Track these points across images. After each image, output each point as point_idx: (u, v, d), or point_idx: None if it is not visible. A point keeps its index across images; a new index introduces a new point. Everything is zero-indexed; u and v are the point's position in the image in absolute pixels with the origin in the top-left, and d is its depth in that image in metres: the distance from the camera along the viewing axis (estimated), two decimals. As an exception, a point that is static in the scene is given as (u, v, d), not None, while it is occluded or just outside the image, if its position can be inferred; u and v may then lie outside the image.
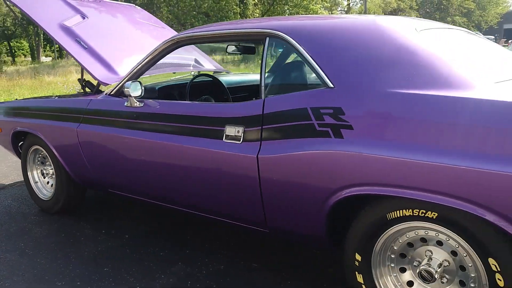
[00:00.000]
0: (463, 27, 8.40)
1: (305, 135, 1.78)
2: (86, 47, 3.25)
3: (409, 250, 1.72)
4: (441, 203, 1.48)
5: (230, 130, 2.01)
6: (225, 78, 3.28)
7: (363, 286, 1.77)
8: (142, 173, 2.48)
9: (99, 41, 3.33)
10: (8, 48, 47.72)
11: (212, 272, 2.34)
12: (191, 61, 3.73)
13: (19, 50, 49.36)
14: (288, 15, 24.65)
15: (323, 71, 1.82)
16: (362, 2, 38.04)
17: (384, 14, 38.81)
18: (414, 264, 1.70)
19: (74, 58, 3.14)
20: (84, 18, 3.56)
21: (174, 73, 3.56)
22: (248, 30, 2.22)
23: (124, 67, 3.17)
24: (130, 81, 2.37)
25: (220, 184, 2.12)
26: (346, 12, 40.27)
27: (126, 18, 3.99)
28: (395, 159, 1.55)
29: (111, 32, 3.61)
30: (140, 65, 2.54)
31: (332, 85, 1.78)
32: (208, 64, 3.87)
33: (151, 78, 3.39)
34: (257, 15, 23.96)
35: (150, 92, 2.64)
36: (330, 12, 35.06)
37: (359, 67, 1.77)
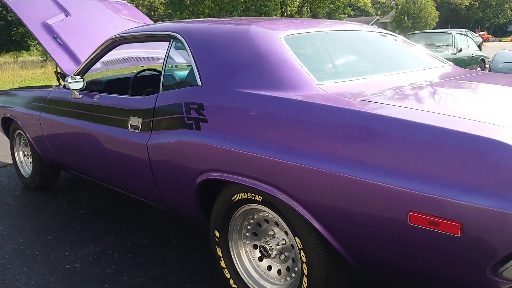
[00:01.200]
0: None
1: (178, 127, 2.06)
2: (61, 43, 3.66)
3: (258, 229, 1.96)
4: (261, 189, 1.72)
5: (133, 120, 2.33)
6: (178, 72, 3.58)
7: (222, 259, 2.03)
8: (81, 156, 2.87)
9: (74, 38, 3.73)
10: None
11: (136, 245, 2.68)
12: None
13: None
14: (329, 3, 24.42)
15: (198, 70, 2.08)
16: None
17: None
18: (262, 241, 1.95)
19: (49, 53, 3.56)
20: (67, 16, 3.98)
21: (142, 66, 3.90)
22: (159, 32, 2.51)
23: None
24: (70, 76, 2.73)
25: (129, 168, 2.44)
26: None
27: (110, 16, 4.36)
28: (231, 150, 1.80)
29: (89, 30, 3.99)
30: (85, 62, 2.90)
31: (201, 84, 2.04)
32: (180, 59, 4.18)
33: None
34: (297, 2, 23.89)
35: (98, 85, 3.01)
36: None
37: (222, 68, 2.01)
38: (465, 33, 9.78)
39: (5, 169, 4.40)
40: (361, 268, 1.61)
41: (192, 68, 2.16)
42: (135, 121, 2.31)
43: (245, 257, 2.01)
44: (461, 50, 8.76)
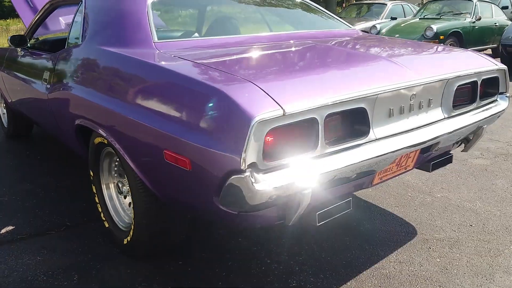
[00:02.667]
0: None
1: (66, 80, 2.36)
2: (32, 6, 4.05)
3: (121, 170, 2.25)
4: (103, 134, 1.97)
5: (45, 75, 2.65)
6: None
7: (96, 195, 2.34)
8: (22, 103, 3.27)
9: (43, 1, 4.10)
10: None
11: (63, 186, 3.06)
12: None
13: None
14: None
15: (82, 29, 2.35)
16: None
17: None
18: (117, 181, 2.23)
19: (18, 13, 3.97)
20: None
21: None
22: None
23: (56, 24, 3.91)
24: (12, 35, 3.09)
25: (44, 113, 2.77)
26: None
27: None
28: (86, 99, 2.07)
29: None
30: (31, 25, 3.26)
31: (81, 42, 2.31)
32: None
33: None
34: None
35: (45, 44, 3.36)
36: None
37: (95, 27, 2.27)
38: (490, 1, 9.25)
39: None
40: (166, 201, 1.86)
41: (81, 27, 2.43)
42: (46, 75, 2.64)
43: (114, 194, 2.31)
44: (480, 19, 8.37)
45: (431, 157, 2.13)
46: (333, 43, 2.37)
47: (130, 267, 2.06)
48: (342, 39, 2.50)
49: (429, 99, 1.89)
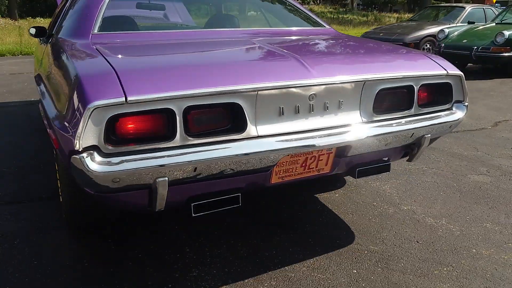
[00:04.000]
0: None
1: (41, 64, 2.62)
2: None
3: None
4: None
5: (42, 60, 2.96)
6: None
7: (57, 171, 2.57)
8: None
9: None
10: None
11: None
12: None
13: None
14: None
15: (60, 20, 2.59)
16: None
17: None
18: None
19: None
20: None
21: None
22: None
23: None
24: (32, 27, 3.47)
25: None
26: None
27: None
28: (42, 82, 2.30)
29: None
30: (53, 18, 3.62)
31: (54, 32, 2.55)
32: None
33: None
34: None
35: None
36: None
37: (64, 19, 2.49)
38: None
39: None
40: None
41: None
42: (41, 59, 2.94)
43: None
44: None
45: (358, 163, 2.03)
46: (267, 40, 2.32)
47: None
48: (291, 38, 2.47)
49: (339, 101, 1.82)
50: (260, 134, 1.67)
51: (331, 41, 2.49)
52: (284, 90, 1.68)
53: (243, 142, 1.63)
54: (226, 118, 1.63)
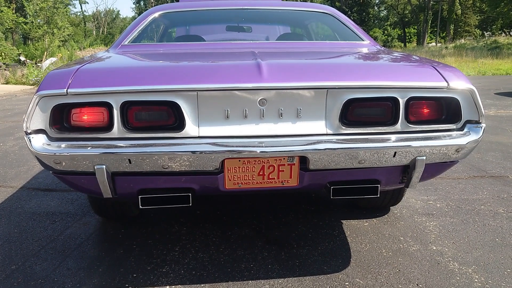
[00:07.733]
0: None
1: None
2: None
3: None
4: None
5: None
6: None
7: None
8: None
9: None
10: (401, 34, 53.23)
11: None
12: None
13: (409, 35, 53.90)
14: None
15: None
16: None
17: None
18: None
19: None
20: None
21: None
22: None
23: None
24: None
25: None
26: None
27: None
28: None
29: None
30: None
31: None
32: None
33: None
34: None
35: None
36: None
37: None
38: None
39: None
40: None
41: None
42: None
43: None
44: None
45: (333, 181, 1.84)
46: (267, 48, 2.32)
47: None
48: (299, 48, 2.41)
49: (298, 109, 1.71)
50: (201, 134, 1.69)
51: (335, 51, 2.35)
52: (227, 92, 1.67)
53: (178, 141, 1.67)
54: (167, 116, 1.69)
